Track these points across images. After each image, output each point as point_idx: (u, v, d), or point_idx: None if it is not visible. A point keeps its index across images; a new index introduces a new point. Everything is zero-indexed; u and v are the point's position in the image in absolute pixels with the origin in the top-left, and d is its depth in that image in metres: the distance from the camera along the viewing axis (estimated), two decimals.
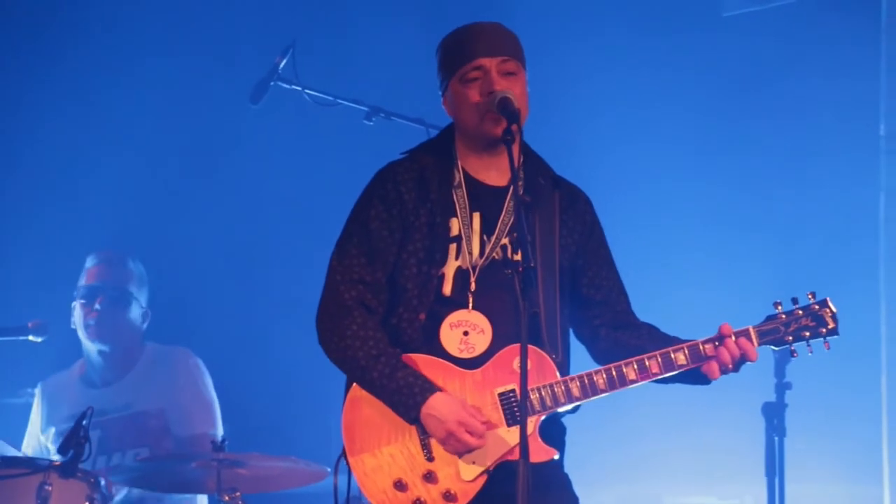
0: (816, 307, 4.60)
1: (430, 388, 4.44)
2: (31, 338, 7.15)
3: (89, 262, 7.21)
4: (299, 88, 7.24)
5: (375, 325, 4.54)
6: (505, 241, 4.59)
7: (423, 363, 4.52)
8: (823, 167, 8.07)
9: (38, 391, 7.27)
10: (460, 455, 4.46)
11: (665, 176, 8.24)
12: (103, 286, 7.15)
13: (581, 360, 4.70)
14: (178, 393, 7.10)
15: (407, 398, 4.44)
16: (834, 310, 4.61)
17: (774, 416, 6.46)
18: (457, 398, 4.45)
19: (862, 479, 7.97)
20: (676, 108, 8.28)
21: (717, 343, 4.54)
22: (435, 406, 4.43)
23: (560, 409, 4.51)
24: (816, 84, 8.10)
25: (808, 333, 4.59)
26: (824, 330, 4.60)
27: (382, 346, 4.50)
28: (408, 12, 8.39)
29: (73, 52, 8.41)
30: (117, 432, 7.00)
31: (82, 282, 7.17)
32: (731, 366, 4.54)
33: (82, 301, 7.15)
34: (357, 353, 4.50)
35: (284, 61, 7.25)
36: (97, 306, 7.12)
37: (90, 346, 7.15)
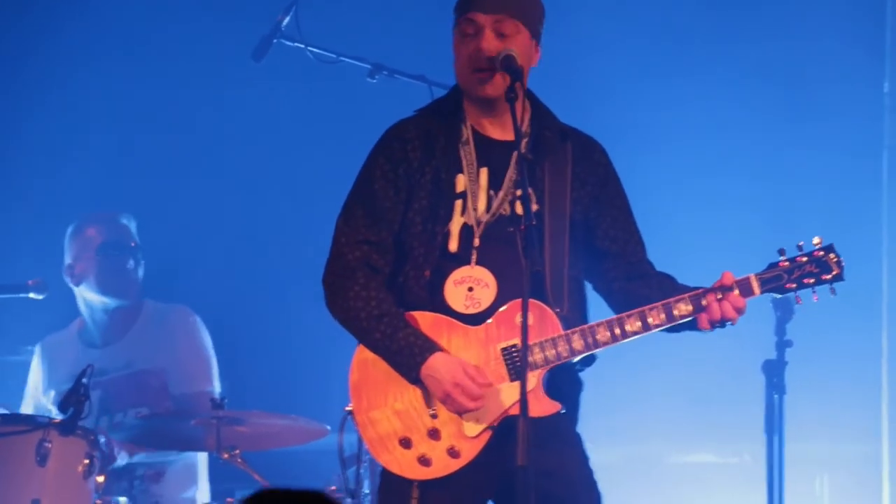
0: (821, 253, 4.50)
1: (430, 347, 4.43)
2: (31, 295, 7.13)
3: (95, 221, 7.14)
4: (302, 46, 7.20)
5: (379, 284, 4.52)
6: (513, 194, 4.54)
7: (429, 321, 4.50)
8: (827, 125, 8.04)
9: (37, 351, 7.24)
10: (460, 414, 4.45)
11: (668, 128, 8.20)
12: (118, 242, 7.10)
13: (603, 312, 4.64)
14: (177, 351, 7.08)
15: (408, 358, 4.43)
16: (839, 256, 4.50)
17: (774, 374, 6.44)
18: (457, 359, 4.43)
19: (861, 437, 7.98)
20: (682, 69, 8.23)
21: (719, 295, 4.47)
22: (433, 366, 4.41)
23: (562, 363, 4.47)
24: (820, 41, 8.06)
25: (811, 280, 4.48)
26: (828, 276, 4.49)
27: (385, 307, 4.48)
28: None
29: (74, 8, 8.36)
30: (118, 392, 6.99)
31: (98, 239, 7.10)
32: (718, 323, 4.48)
33: (98, 257, 7.07)
34: (360, 313, 4.48)
35: (287, 18, 7.21)
36: (117, 262, 7.07)
37: (98, 302, 7.09)
